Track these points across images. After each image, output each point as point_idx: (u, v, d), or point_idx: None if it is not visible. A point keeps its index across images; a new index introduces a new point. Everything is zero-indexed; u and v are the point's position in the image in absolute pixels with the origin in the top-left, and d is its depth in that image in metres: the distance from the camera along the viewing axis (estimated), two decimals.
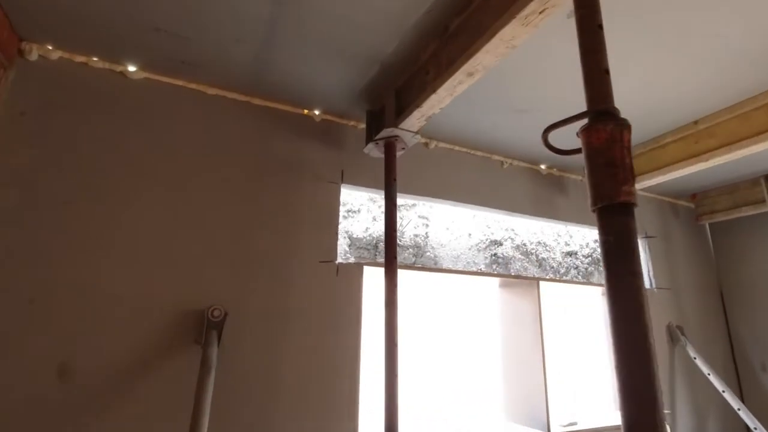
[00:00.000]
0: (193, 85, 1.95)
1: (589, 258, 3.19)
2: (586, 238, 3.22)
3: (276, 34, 1.63)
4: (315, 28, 1.60)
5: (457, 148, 2.60)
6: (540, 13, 1.22)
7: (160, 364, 1.64)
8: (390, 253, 1.84)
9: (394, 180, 1.95)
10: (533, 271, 2.92)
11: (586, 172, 0.93)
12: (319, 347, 1.93)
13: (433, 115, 1.78)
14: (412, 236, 2.57)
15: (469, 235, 2.76)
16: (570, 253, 3.12)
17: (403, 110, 1.83)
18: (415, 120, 1.81)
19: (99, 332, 1.58)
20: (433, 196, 2.47)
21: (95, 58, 1.78)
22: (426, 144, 2.50)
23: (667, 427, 2.86)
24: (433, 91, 1.61)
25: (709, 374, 2.83)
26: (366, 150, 2.10)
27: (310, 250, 2.03)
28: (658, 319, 3.02)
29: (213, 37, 1.64)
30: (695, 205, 3.57)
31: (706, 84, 2.00)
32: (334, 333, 1.99)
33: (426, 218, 2.65)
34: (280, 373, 1.83)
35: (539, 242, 3.02)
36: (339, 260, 2.11)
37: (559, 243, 3.10)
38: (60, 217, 1.62)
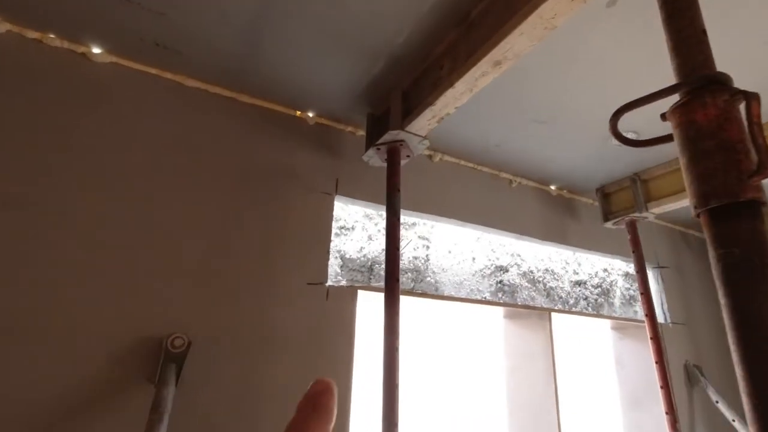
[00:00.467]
0: (168, 75, 1.68)
1: (599, 288, 2.94)
2: (594, 266, 2.98)
3: (268, 15, 1.39)
4: (313, 11, 1.37)
5: (463, 162, 2.37)
6: None
7: (108, 406, 1.31)
8: (391, 274, 1.56)
9: (398, 191, 1.70)
10: (541, 301, 2.65)
11: (682, 164, 0.69)
12: (305, 383, 1.60)
13: (447, 116, 1.55)
14: (411, 258, 2.29)
15: (473, 259, 2.49)
16: (579, 283, 2.87)
17: (411, 110, 1.60)
18: (425, 121, 1.57)
19: (27, 368, 1.25)
20: (436, 214, 2.21)
21: (52, 35, 1.50)
22: (430, 156, 2.27)
23: None
24: (451, 85, 1.37)
25: (733, 420, 2.56)
26: (365, 157, 1.85)
27: (297, 270, 1.74)
28: (674, 357, 2.76)
29: (193, 12, 1.40)
30: None
31: None
32: (323, 366, 1.67)
33: (427, 239, 2.38)
34: (258, 414, 1.50)
35: (547, 269, 2.76)
36: (330, 282, 1.82)
37: (567, 271, 2.85)
38: None
